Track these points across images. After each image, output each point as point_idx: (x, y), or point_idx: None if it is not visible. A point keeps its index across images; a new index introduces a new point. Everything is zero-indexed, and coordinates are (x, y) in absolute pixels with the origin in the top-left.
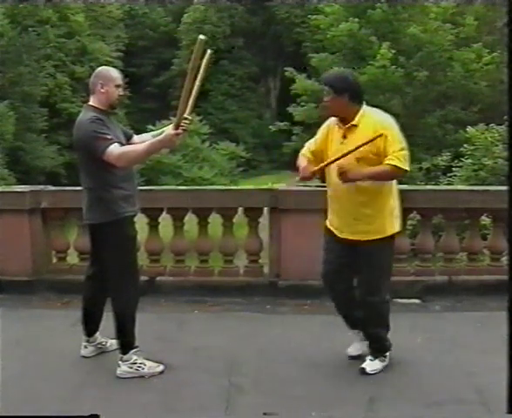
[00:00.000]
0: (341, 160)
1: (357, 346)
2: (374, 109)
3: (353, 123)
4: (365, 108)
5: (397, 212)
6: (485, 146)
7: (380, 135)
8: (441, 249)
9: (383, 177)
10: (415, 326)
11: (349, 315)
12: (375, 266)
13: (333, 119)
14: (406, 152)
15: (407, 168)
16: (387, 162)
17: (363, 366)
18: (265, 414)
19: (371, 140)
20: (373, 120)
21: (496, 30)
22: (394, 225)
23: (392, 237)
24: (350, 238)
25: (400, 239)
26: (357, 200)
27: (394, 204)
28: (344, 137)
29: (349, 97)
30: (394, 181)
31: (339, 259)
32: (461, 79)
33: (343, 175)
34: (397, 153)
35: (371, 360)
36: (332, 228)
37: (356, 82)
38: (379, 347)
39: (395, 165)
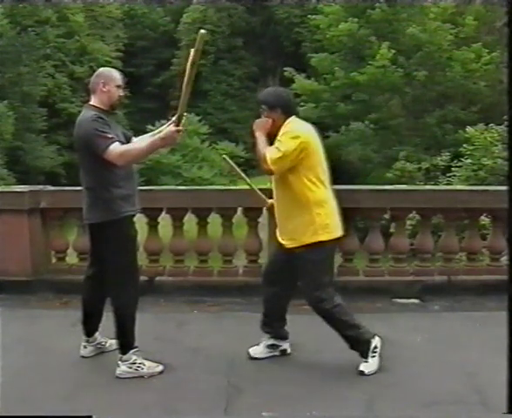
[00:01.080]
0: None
1: (260, 349)
2: (299, 122)
3: (278, 137)
4: (291, 120)
5: (322, 220)
6: (484, 146)
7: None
8: (440, 249)
9: (257, 155)
10: (415, 326)
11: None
12: (306, 273)
13: None
14: (282, 154)
15: (274, 169)
16: (267, 148)
17: (360, 369)
18: (264, 414)
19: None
20: (287, 128)
21: (496, 30)
22: (316, 235)
23: (320, 243)
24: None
25: (399, 239)
26: (282, 207)
27: (316, 213)
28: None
29: (281, 111)
30: (318, 191)
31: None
32: (460, 79)
33: (255, 124)
34: (275, 149)
35: (364, 361)
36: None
37: (287, 97)
38: (360, 348)
39: (265, 155)
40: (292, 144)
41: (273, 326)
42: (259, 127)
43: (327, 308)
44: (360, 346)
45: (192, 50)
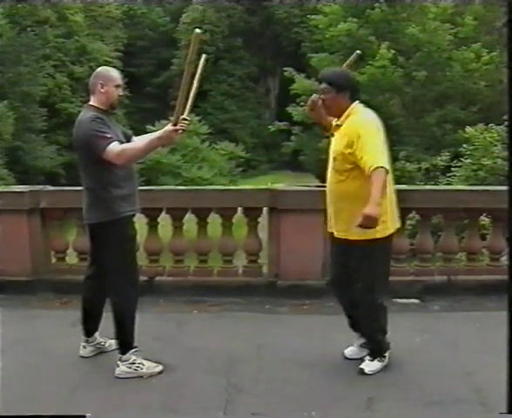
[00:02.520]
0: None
1: (355, 350)
2: (363, 109)
3: (338, 122)
4: (354, 106)
5: (390, 214)
6: (484, 146)
7: None
8: (440, 249)
9: (379, 185)
10: (414, 326)
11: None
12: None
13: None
14: (380, 151)
15: (386, 166)
16: (367, 169)
17: (362, 366)
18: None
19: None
20: (355, 120)
21: (495, 29)
22: (386, 228)
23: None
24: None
25: (399, 239)
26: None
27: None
28: (332, 135)
29: (349, 95)
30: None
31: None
32: (460, 79)
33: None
34: (370, 155)
35: (370, 360)
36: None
37: (355, 80)
38: (376, 348)
39: (379, 165)
40: (377, 138)
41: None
42: (373, 220)
43: (370, 300)
44: (377, 347)
45: (189, 50)
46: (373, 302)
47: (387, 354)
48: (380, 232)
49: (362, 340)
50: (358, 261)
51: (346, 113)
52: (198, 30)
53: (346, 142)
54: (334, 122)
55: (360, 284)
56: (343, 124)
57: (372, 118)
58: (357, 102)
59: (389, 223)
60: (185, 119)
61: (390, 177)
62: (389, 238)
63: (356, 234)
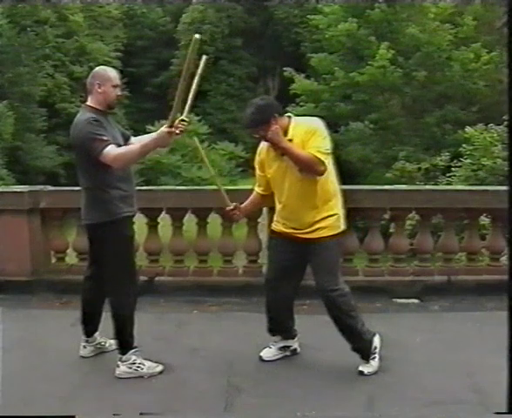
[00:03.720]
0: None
1: (272, 351)
2: (301, 117)
3: (289, 137)
4: (294, 119)
5: (340, 211)
6: (484, 146)
7: None
8: (440, 249)
9: (302, 160)
10: (414, 326)
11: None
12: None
13: (262, 146)
14: (328, 147)
15: (326, 163)
16: (310, 151)
17: (360, 369)
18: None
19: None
20: (302, 127)
21: (495, 29)
22: (339, 225)
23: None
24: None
25: (399, 239)
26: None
27: (336, 204)
28: (282, 154)
29: (278, 114)
30: (335, 183)
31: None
32: (459, 79)
33: (271, 138)
34: (319, 146)
35: (365, 362)
36: None
37: (270, 100)
38: (362, 348)
39: (316, 156)
40: (328, 143)
41: (282, 327)
42: (280, 137)
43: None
44: (362, 345)
45: (188, 55)
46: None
47: (375, 345)
48: (342, 225)
49: (282, 344)
50: (321, 256)
51: (290, 127)
52: (197, 36)
53: (302, 147)
54: (287, 138)
55: (323, 280)
56: (293, 138)
57: (317, 121)
58: (288, 114)
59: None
60: (183, 120)
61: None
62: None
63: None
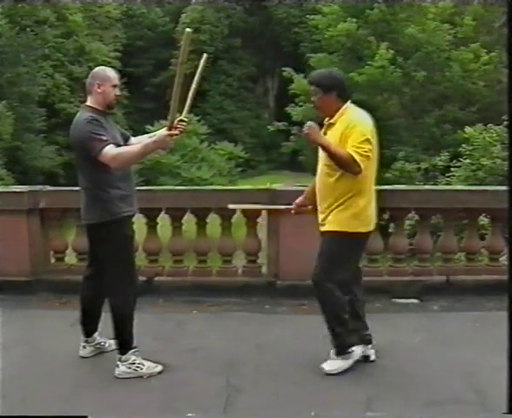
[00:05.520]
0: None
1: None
2: (357, 109)
3: (332, 121)
4: (347, 106)
5: (365, 215)
6: (483, 146)
7: None
8: (439, 249)
9: (338, 159)
10: (414, 326)
11: None
12: (325, 254)
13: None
14: (367, 149)
15: (362, 166)
16: (348, 150)
17: (322, 365)
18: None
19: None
20: (348, 117)
21: (494, 30)
22: (353, 225)
23: (352, 234)
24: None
25: (398, 239)
26: (329, 193)
27: (361, 205)
28: (325, 133)
29: (337, 94)
30: (369, 185)
31: None
32: (459, 79)
33: (306, 135)
34: (358, 147)
35: (332, 358)
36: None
37: (342, 79)
38: (337, 345)
39: (353, 157)
40: (368, 145)
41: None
42: (315, 136)
43: (326, 288)
44: (338, 343)
45: (180, 50)
46: (329, 288)
47: (351, 353)
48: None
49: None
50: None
51: (339, 113)
52: (188, 30)
53: (339, 137)
54: (327, 121)
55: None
56: (336, 123)
57: (365, 118)
58: (349, 102)
59: (358, 223)
60: (182, 121)
61: (372, 182)
62: (358, 235)
63: (340, 225)
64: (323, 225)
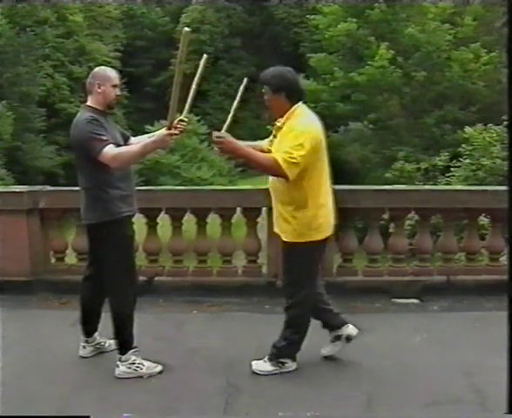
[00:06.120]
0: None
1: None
2: (306, 112)
3: (279, 125)
4: (296, 108)
5: (316, 223)
6: (483, 146)
7: None
8: (439, 249)
9: (262, 167)
10: (414, 326)
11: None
12: (288, 267)
13: None
14: (297, 156)
15: (288, 173)
16: (273, 155)
17: (253, 363)
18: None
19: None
20: (293, 122)
21: (494, 30)
22: (309, 234)
23: (311, 243)
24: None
25: (398, 239)
26: (278, 199)
27: (309, 214)
28: (274, 136)
29: (286, 95)
30: (317, 192)
31: None
32: (459, 79)
33: (218, 144)
34: (286, 153)
35: (264, 361)
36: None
37: (294, 80)
38: (282, 350)
39: (278, 162)
40: (302, 150)
41: (325, 318)
42: (234, 144)
43: (294, 315)
44: (279, 346)
45: (179, 49)
46: (295, 302)
47: (286, 364)
48: (315, 235)
49: (332, 335)
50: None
51: (286, 115)
52: (187, 29)
53: (281, 137)
54: (277, 123)
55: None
56: (283, 127)
57: (308, 123)
58: (300, 103)
59: (324, 226)
60: (182, 120)
61: (322, 187)
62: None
63: (296, 237)
64: (278, 230)
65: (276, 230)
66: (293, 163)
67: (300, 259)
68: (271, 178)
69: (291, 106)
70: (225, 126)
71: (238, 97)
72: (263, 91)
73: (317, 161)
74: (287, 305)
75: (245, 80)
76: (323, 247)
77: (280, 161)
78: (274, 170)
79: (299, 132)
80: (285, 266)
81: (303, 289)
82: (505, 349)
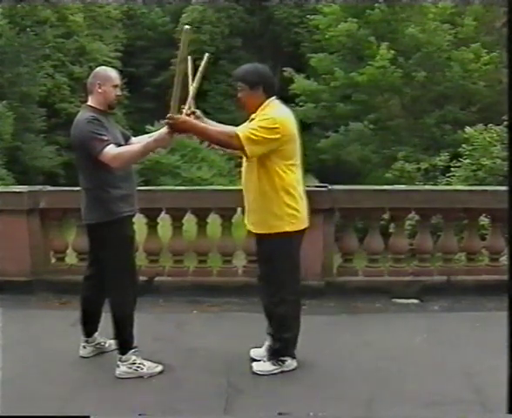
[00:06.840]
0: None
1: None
2: (280, 105)
3: (253, 116)
4: (271, 101)
5: (289, 210)
6: (483, 146)
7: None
8: (439, 249)
9: (215, 139)
10: (414, 326)
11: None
12: (265, 260)
13: None
14: (259, 136)
15: (248, 151)
16: (234, 128)
17: (254, 364)
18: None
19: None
20: (267, 111)
21: (495, 30)
22: (279, 225)
23: (283, 234)
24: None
25: (398, 239)
26: (250, 190)
27: (283, 204)
28: None
29: (263, 90)
30: (288, 179)
31: None
32: (459, 79)
33: (171, 125)
34: (252, 130)
35: (263, 361)
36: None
37: (269, 74)
38: (279, 349)
39: (238, 136)
40: (268, 134)
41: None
42: (191, 122)
43: (275, 301)
44: (283, 351)
45: (180, 48)
46: (279, 299)
47: (288, 361)
48: (288, 225)
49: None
50: (263, 254)
51: (261, 108)
52: (187, 27)
53: None
54: (251, 116)
55: (265, 284)
56: (256, 117)
57: (282, 114)
58: (274, 98)
59: (299, 218)
60: (193, 112)
61: (300, 172)
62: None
63: (266, 228)
64: (249, 223)
65: (249, 226)
66: (254, 140)
67: (272, 251)
68: (243, 171)
69: (265, 100)
70: (187, 105)
71: (199, 73)
72: (238, 88)
73: (288, 152)
74: (271, 303)
75: (206, 55)
76: (296, 240)
77: (241, 136)
78: (231, 144)
79: (270, 118)
80: (259, 262)
81: (283, 287)
82: (505, 349)
